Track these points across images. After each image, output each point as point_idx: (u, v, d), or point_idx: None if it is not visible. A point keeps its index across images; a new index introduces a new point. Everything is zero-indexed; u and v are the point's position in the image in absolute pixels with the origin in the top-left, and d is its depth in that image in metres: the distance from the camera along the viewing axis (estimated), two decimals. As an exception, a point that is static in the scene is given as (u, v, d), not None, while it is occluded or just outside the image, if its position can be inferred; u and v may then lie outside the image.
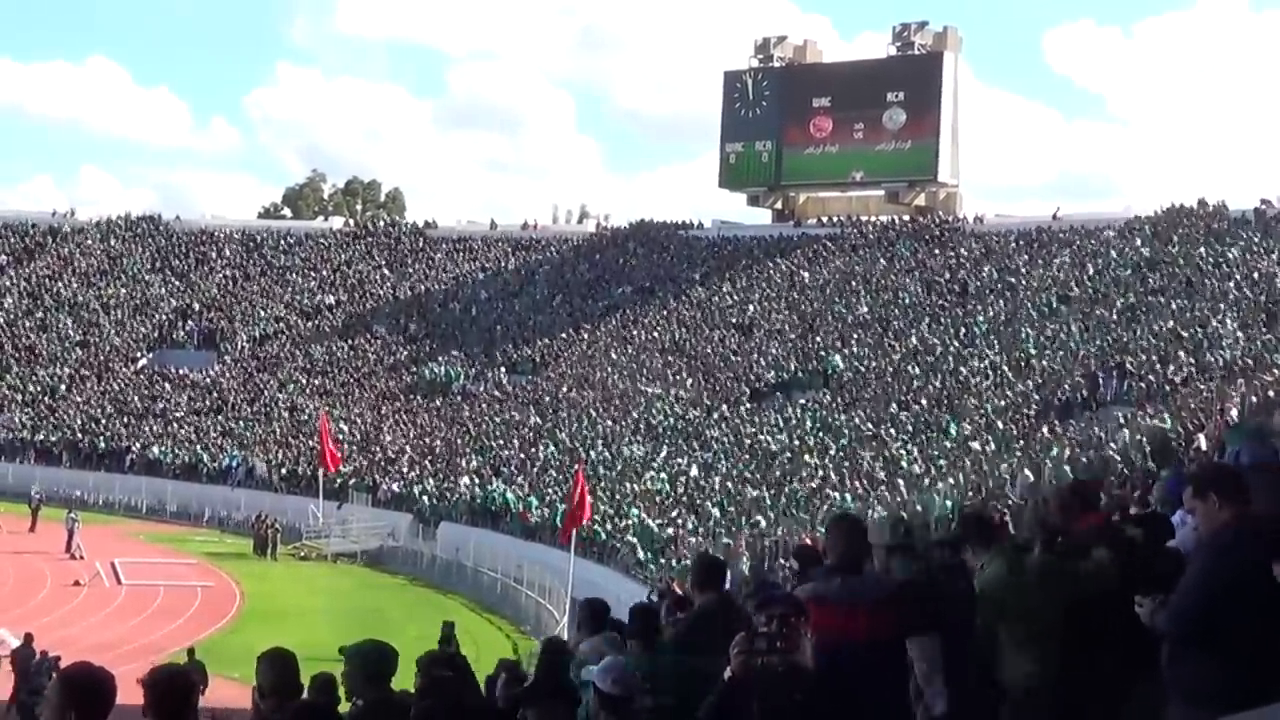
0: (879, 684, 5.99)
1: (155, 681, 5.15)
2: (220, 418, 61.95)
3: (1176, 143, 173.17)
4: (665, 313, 62.31)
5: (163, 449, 59.26)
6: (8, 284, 74.97)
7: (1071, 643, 6.04)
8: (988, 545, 6.89)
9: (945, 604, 6.30)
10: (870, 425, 44.55)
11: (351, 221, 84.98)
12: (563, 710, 6.47)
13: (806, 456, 43.20)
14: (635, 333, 61.15)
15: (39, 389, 65.92)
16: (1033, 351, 46.71)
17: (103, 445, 60.57)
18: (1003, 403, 42.66)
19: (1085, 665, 6.07)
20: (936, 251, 60.75)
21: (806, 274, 62.28)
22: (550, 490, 46.65)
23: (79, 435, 61.62)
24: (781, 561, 30.57)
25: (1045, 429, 38.79)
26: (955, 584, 6.52)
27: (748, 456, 45.29)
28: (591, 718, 6.42)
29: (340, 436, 55.96)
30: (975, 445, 39.16)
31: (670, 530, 40.01)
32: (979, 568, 6.45)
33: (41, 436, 62.00)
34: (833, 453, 43.08)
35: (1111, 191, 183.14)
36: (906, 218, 65.90)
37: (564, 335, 62.89)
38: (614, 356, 59.11)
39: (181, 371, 66.65)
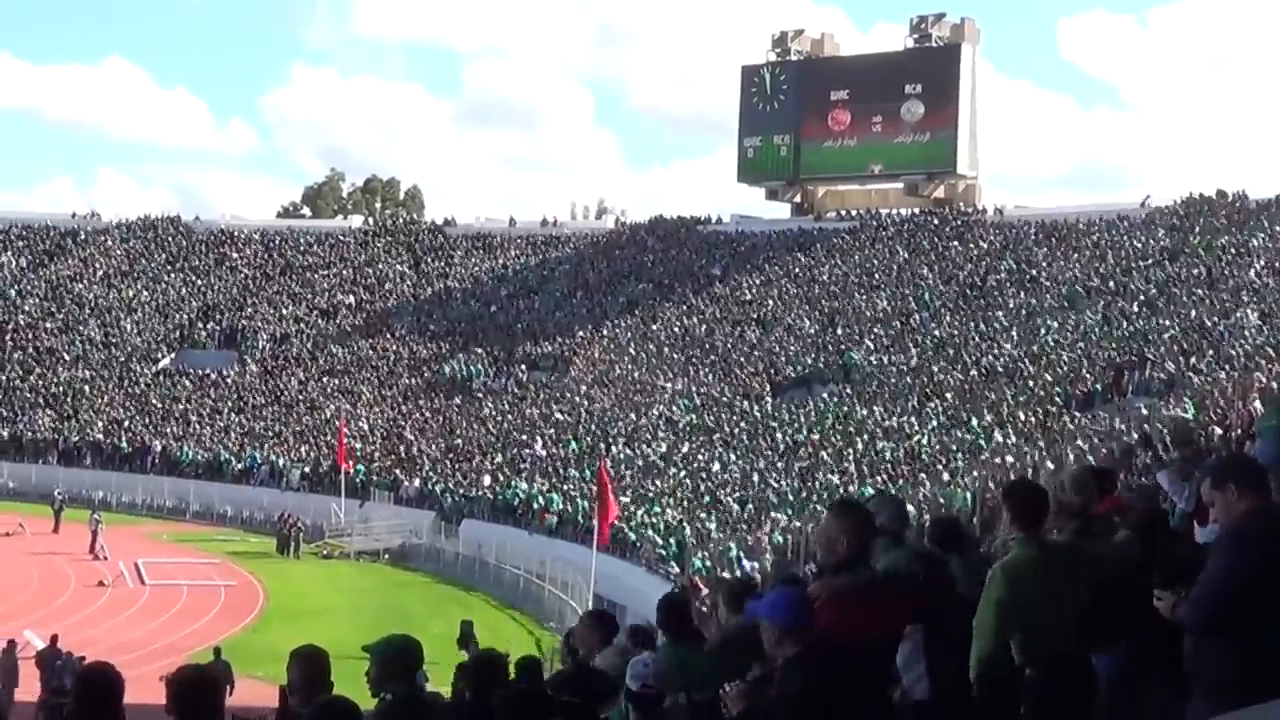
0: (887, 676, 6.02)
1: (177, 681, 5.18)
2: (242, 417, 62.18)
3: (1194, 131, 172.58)
4: (684, 308, 62.25)
5: (185, 449, 59.48)
6: (29, 287, 75.28)
7: (1091, 625, 6.07)
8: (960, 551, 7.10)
9: (933, 594, 6.34)
10: (891, 418, 44.46)
11: (370, 220, 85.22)
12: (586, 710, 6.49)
13: (825, 451, 43.13)
14: (654, 328, 61.13)
15: (61, 390, 66.20)
16: (1053, 343, 46.57)
17: (125, 446, 60.81)
18: (1024, 395, 42.52)
19: (1103, 647, 6.08)
20: (956, 244, 60.59)
21: (826, 267, 62.17)
22: (572, 487, 46.70)
23: (101, 436, 61.89)
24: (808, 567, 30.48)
25: (1067, 420, 38.65)
26: (936, 575, 6.56)
27: (769, 451, 45.26)
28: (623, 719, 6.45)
29: (361, 435, 56.18)
30: (997, 437, 39.04)
31: (692, 526, 40.01)
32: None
33: (64, 438, 62.29)
34: (854, 447, 42.98)
35: (1130, 182, 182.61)
36: (926, 210, 65.76)
37: (583, 332, 62.88)
38: (633, 352, 59.10)
39: (203, 372, 66.82)
